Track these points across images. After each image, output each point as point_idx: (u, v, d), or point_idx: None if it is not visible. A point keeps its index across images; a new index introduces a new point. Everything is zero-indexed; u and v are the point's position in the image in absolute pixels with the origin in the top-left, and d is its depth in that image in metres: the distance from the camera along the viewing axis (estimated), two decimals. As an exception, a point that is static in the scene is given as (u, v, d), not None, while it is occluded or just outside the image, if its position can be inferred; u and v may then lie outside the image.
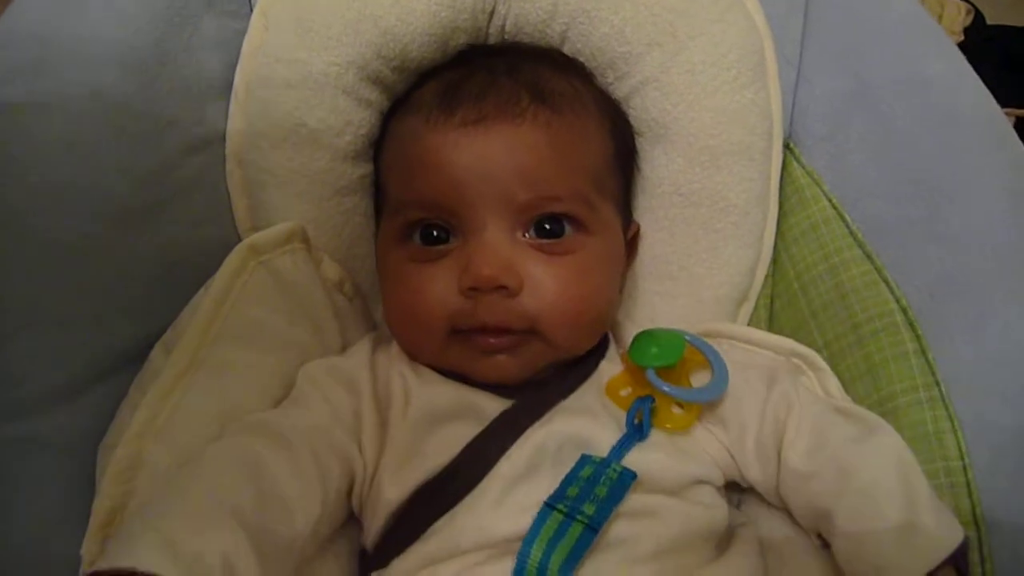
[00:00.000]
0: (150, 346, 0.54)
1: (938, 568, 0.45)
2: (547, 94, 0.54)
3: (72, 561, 0.45)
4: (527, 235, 0.54)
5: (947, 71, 0.62)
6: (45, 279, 0.49)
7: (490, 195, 0.52)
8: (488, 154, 0.52)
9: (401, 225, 0.55)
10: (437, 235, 0.54)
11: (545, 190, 0.53)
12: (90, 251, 0.51)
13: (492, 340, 0.53)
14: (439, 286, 0.53)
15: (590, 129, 0.57)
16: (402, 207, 0.55)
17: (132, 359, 0.53)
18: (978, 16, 1.51)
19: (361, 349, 0.58)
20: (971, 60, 1.52)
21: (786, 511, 0.54)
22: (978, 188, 0.58)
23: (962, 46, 1.42)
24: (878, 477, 0.48)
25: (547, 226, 0.54)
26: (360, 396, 0.54)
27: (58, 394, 0.49)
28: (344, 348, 0.61)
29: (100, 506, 0.46)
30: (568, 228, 0.54)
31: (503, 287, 0.51)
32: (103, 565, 0.37)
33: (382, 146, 0.61)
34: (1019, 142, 0.60)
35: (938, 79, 0.61)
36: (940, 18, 1.42)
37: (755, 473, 0.54)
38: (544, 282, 0.53)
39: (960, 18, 1.43)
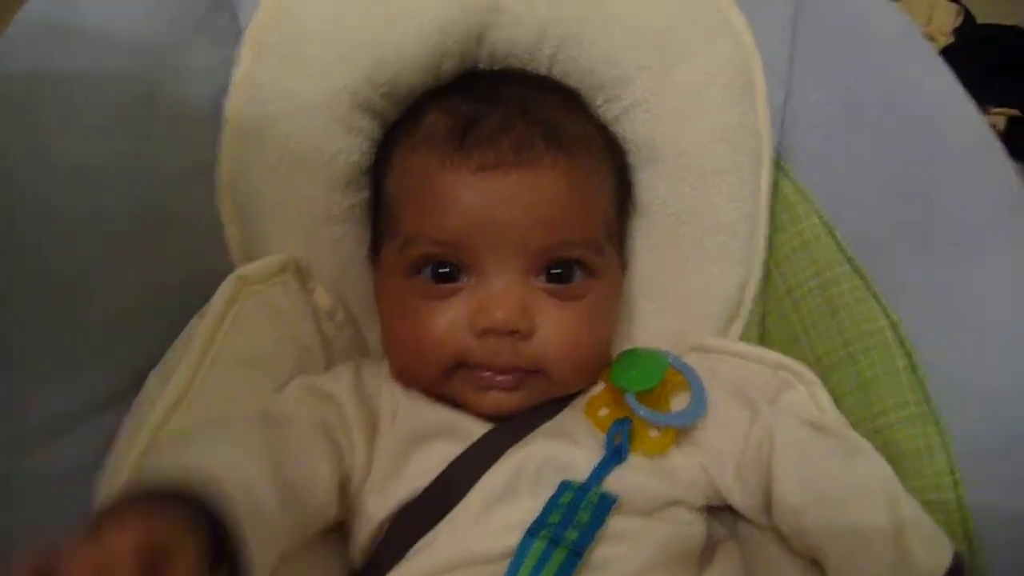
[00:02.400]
0: (141, 379, 0.54)
1: None
2: (562, 138, 0.55)
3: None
4: (538, 279, 0.54)
5: (935, 87, 0.62)
6: (46, 309, 0.50)
7: (506, 240, 0.53)
8: (506, 200, 0.53)
9: (411, 259, 0.56)
10: (448, 272, 0.55)
11: (561, 237, 0.54)
12: (89, 281, 0.51)
13: (498, 378, 0.54)
14: (448, 323, 0.54)
15: (601, 172, 0.58)
16: (414, 241, 0.55)
17: (128, 390, 0.53)
18: (968, 17, 1.51)
19: (344, 370, 0.59)
20: (961, 61, 1.53)
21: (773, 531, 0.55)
22: (967, 204, 0.58)
23: (952, 47, 1.44)
24: (867, 513, 0.49)
25: (558, 271, 0.55)
26: (343, 411, 0.54)
27: (58, 426, 0.50)
28: None
29: None
30: (578, 273, 0.55)
31: (516, 331, 0.52)
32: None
33: (387, 174, 0.61)
34: (1006, 156, 0.61)
35: (926, 95, 0.62)
36: (930, 20, 1.43)
37: (737, 499, 0.55)
38: (555, 327, 0.54)
39: (950, 19, 1.43)
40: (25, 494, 0.48)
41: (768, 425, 0.54)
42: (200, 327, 0.53)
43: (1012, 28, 1.54)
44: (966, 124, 0.61)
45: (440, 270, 0.55)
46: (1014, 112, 1.39)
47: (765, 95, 0.65)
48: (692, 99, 0.62)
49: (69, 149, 0.51)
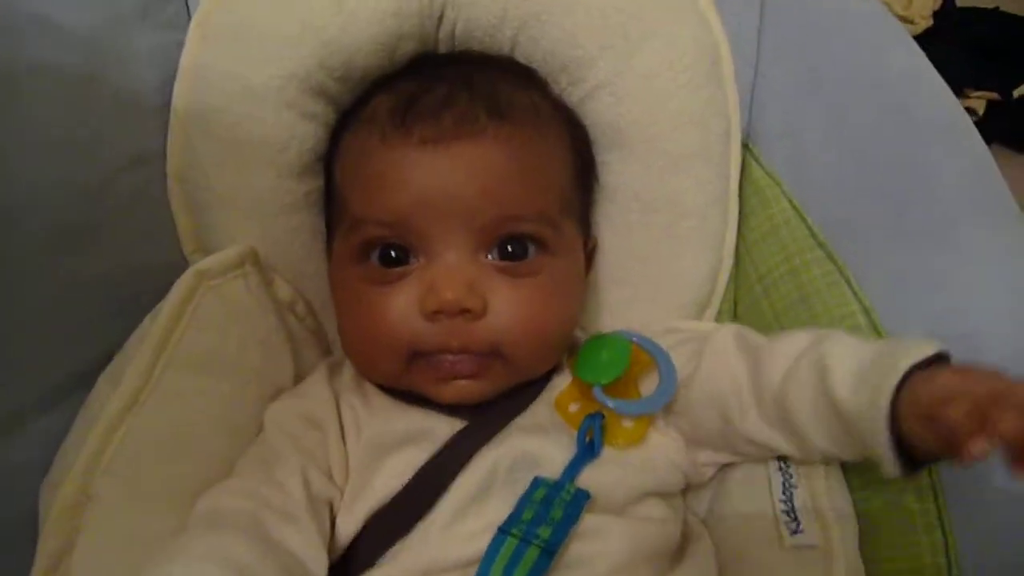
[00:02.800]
0: (93, 372, 0.52)
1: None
2: (506, 109, 0.53)
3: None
4: (490, 256, 0.52)
5: (905, 66, 0.61)
6: None
7: (452, 215, 0.51)
8: (449, 173, 0.51)
9: (358, 244, 0.53)
10: (396, 256, 0.53)
11: (509, 210, 0.52)
12: (30, 271, 0.49)
13: (453, 361, 0.52)
14: (399, 309, 0.52)
15: (553, 144, 0.56)
16: (360, 224, 0.53)
17: (76, 386, 0.51)
18: (948, 0, 1.50)
19: (319, 381, 0.57)
20: (941, 44, 1.52)
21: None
22: (937, 186, 0.57)
23: (932, 30, 1.42)
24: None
25: (510, 248, 0.52)
26: (327, 434, 0.53)
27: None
28: (297, 371, 0.59)
29: (45, 547, 0.45)
30: (532, 249, 0.53)
31: (467, 311, 0.50)
32: None
33: (335, 161, 0.59)
34: (979, 138, 0.59)
35: (896, 75, 0.60)
36: (910, 2, 1.41)
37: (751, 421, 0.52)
38: (508, 305, 0.52)
39: (930, 2, 1.42)
40: None
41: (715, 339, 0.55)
42: (154, 326, 0.51)
43: (992, 11, 1.54)
44: (938, 105, 0.59)
45: (389, 253, 0.53)
46: (993, 95, 1.38)
47: (733, 77, 0.64)
48: (658, 81, 0.60)
49: (3, 137, 0.48)
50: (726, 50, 0.63)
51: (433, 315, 0.50)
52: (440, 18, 0.61)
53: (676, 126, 0.61)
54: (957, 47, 1.41)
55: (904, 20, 1.39)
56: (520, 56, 0.63)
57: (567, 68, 0.61)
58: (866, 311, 0.57)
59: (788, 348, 0.51)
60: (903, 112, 0.59)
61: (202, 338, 0.52)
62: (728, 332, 0.55)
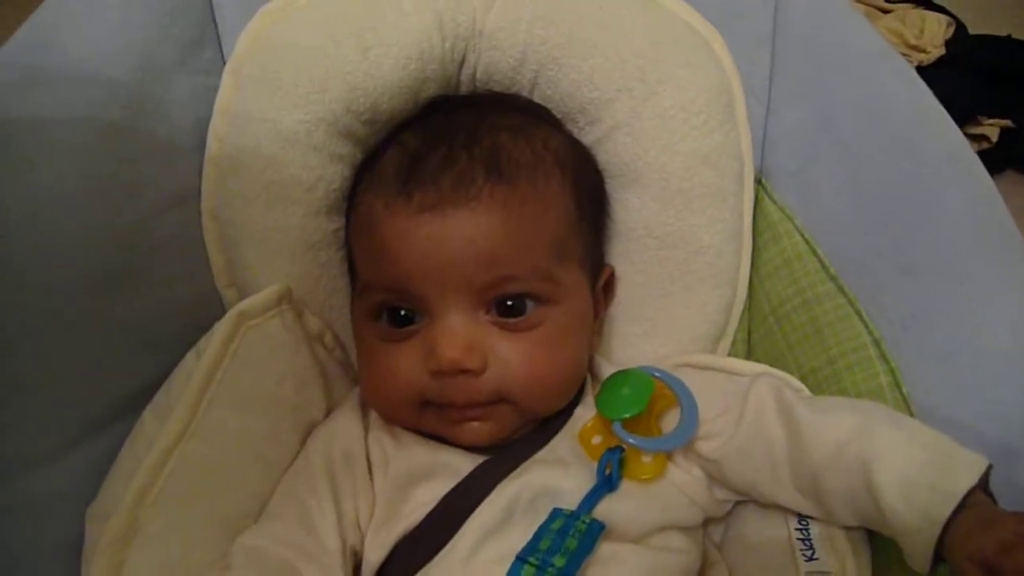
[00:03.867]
0: (132, 404, 0.54)
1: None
2: (504, 167, 0.55)
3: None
4: (489, 314, 0.55)
5: (911, 104, 0.63)
6: (27, 339, 0.50)
7: (450, 280, 0.53)
8: (445, 240, 0.53)
9: (370, 305, 0.57)
10: (404, 314, 0.55)
11: (502, 271, 0.54)
12: (71, 311, 0.52)
13: (463, 412, 0.55)
14: (407, 366, 0.55)
15: (549, 196, 0.57)
16: (369, 289, 0.57)
17: (115, 418, 0.54)
18: (960, 28, 1.52)
19: (351, 417, 0.60)
20: (954, 72, 1.53)
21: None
22: (943, 220, 0.59)
23: (944, 59, 1.44)
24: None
25: (508, 303, 0.55)
26: (356, 473, 0.56)
27: (43, 457, 0.50)
28: (327, 402, 0.62)
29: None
30: (529, 304, 0.55)
31: (467, 371, 0.53)
32: None
33: (350, 212, 0.62)
34: (984, 172, 0.61)
35: (902, 113, 0.62)
36: (921, 31, 1.43)
37: (744, 476, 0.55)
38: (509, 359, 0.54)
39: (941, 31, 1.44)
40: (8, 525, 0.48)
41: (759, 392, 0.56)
42: (199, 367, 0.53)
43: (1004, 39, 1.55)
44: (944, 141, 0.61)
45: (398, 313, 0.56)
46: (1006, 123, 1.39)
47: (746, 117, 0.66)
48: (673, 122, 0.62)
49: (49, 179, 0.51)
50: (739, 91, 0.65)
51: (436, 374, 0.53)
52: (462, 62, 0.64)
53: (690, 166, 0.63)
54: (970, 75, 1.43)
55: (916, 49, 1.40)
56: (539, 97, 0.65)
57: (585, 109, 0.64)
58: (876, 343, 0.59)
59: (832, 434, 0.51)
60: (910, 148, 0.61)
61: (243, 377, 0.55)
62: (768, 390, 0.56)
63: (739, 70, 0.66)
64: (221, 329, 0.55)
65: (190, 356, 0.55)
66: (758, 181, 0.68)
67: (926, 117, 0.62)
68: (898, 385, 0.57)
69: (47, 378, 0.51)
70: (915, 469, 0.47)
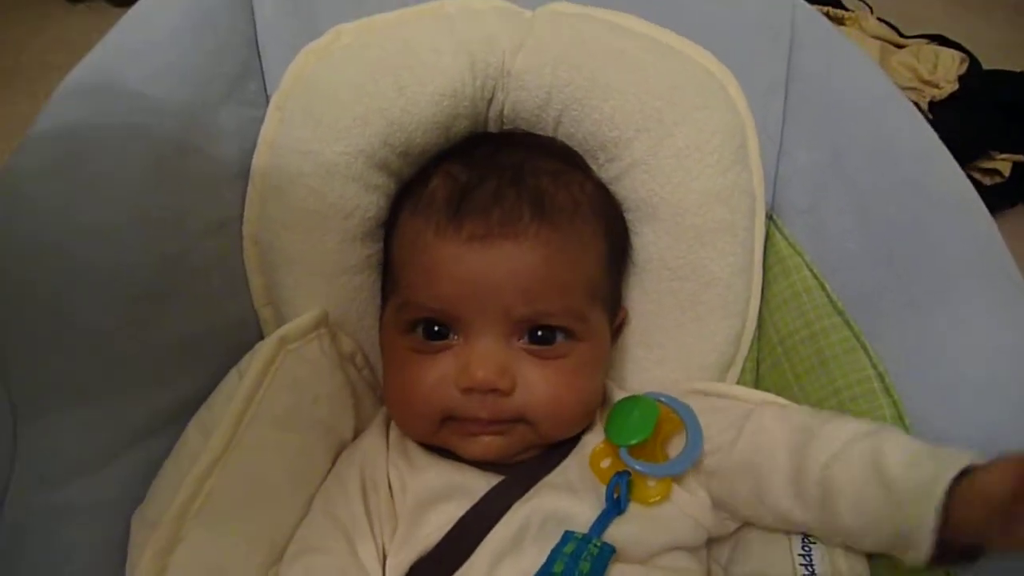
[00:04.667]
0: (171, 417, 0.58)
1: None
2: (548, 209, 0.59)
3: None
4: (521, 341, 0.58)
5: (917, 146, 0.66)
6: (76, 358, 0.53)
7: (491, 307, 0.57)
8: (491, 270, 0.57)
9: (407, 320, 0.60)
10: (439, 330, 0.59)
11: (541, 306, 0.58)
12: (116, 331, 0.55)
13: (482, 429, 0.58)
14: (436, 378, 0.58)
15: (587, 241, 0.62)
16: (410, 306, 0.60)
17: (155, 430, 0.57)
18: (973, 63, 1.53)
19: (377, 444, 0.63)
20: (966, 108, 1.55)
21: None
22: (946, 258, 0.61)
23: (957, 94, 1.46)
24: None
25: (540, 333, 0.59)
26: (381, 496, 0.59)
27: (87, 464, 0.53)
28: (356, 421, 0.66)
29: None
30: (559, 336, 0.59)
31: (497, 390, 0.57)
32: None
33: (393, 236, 0.66)
34: (986, 211, 0.63)
35: (908, 154, 0.65)
36: (935, 67, 1.46)
37: (743, 496, 0.57)
38: (535, 383, 0.58)
39: (955, 66, 1.46)
40: (57, 528, 0.52)
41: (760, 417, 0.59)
42: (241, 387, 0.57)
43: (1018, 74, 1.56)
44: (949, 183, 0.64)
45: (433, 328, 0.59)
46: (1019, 157, 1.41)
47: (758, 156, 0.69)
48: (688, 161, 0.66)
49: (100, 206, 0.55)
50: (752, 131, 0.69)
51: (466, 390, 0.57)
52: (491, 100, 0.67)
53: (703, 203, 0.66)
54: (983, 110, 1.44)
55: (930, 84, 1.43)
56: (562, 134, 0.69)
57: (605, 147, 0.67)
58: (880, 376, 0.62)
59: (840, 432, 0.54)
60: (915, 189, 0.64)
61: (281, 397, 0.59)
62: (771, 408, 0.60)
63: (754, 111, 0.69)
64: (263, 352, 0.59)
65: (232, 375, 0.59)
66: (769, 217, 0.71)
67: (931, 159, 0.65)
68: (901, 417, 0.59)
69: (92, 392, 0.54)
70: (922, 449, 0.50)
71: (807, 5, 0.73)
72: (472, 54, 0.65)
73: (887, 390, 0.61)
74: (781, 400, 0.64)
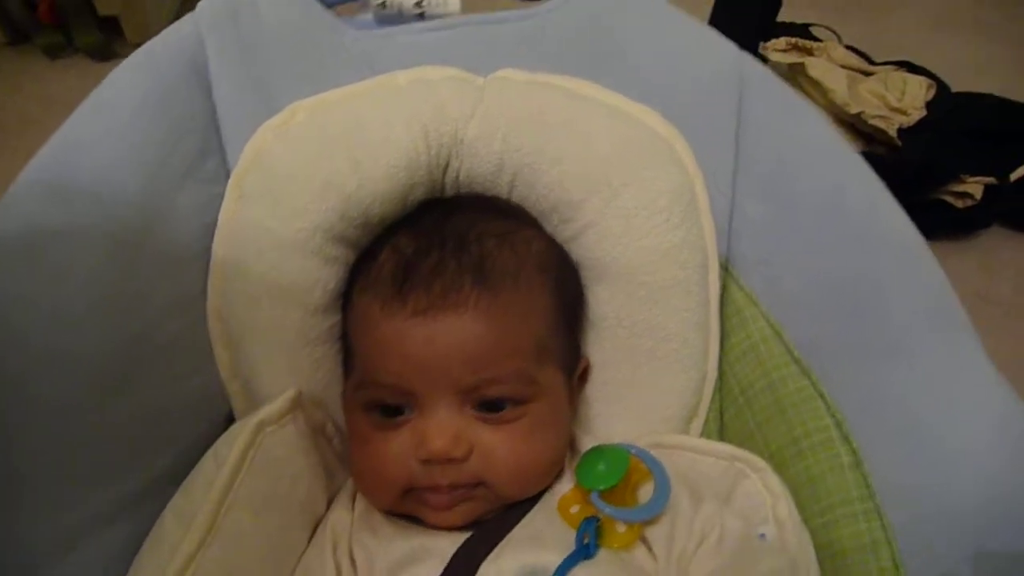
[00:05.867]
0: (141, 496, 0.58)
1: None
2: (489, 274, 0.60)
3: None
4: (474, 409, 0.60)
5: (864, 198, 0.67)
6: (39, 443, 0.54)
7: (439, 379, 0.59)
8: (436, 344, 0.58)
9: (364, 400, 0.62)
10: (396, 406, 0.61)
11: (487, 374, 0.59)
12: (80, 415, 0.56)
13: (444, 497, 0.59)
14: (397, 453, 0.60)
15: (532, 302, 0.63)
16: (365, 385, 0.62)
17: (124, 511, 0.57)
18: (941, 88, 1.56)
19: (345, 516, 0.64)
20: (936, 133, 1.57)
21: None
22: (895, 307, 0.62)
23: (926, 120, 1.48)
24: None
25: (489, 401, 0.60)
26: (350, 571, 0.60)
27: (53, 550, 0.53)
28: (329, 493, 0.67)
29: None
30: (507, 404, 0.60)
31: (453, 459, 0.58)
32: None
33: (347, 309, 0.67)
34: (935, 261, 0.64)
35: (855, 206, 0.67)
36: (903, 94, 1.48)
37: None
38: (492, 447, 0.59)
39: (922, 93, 1.48)
40: None
41: (711, 515, 0.59)
42: (219, 475, 0.57)
43: (986, 96, 1.59)
44: (896, 234, 0.65)
45: (389, 406, 0.61)
46: (990, 180, 1.42)
47: (709, 211, 0.70)
48: (637, 221, 0.67)
49: (60, 297, 0.56)
50: (702, 187, 0.70)
51: (425, 462, 0.58)
52: (446, 167, 0.69)
53: (654, 261, 0.67)
54: (952, 134, 1.46)
55: (898, 112, 1.45)
56: (517, 197, 0.70)
57: (558, 209, 0.69)
58: (838, 424, 0.63)
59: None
60: (863, 239, 0.65)
61: (260, 482, 0.59)
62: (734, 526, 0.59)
63: (703, 165, 0.71)
64: (241, 437, 0.59)
65: (208, 461, 0.59)
66: (725, 268, 0.72)
67: (878, 210, 0.66)
68: (858, 464, 0.60)
69: (56, 475, 0.54)
70: None
71: (755, 60, 0.75)
72: (425, 125, 0.67)
73: (845, 438, 0.62)
74: (740, 453, 0.65)
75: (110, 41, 1.75)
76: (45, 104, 1.69)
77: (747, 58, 0.75)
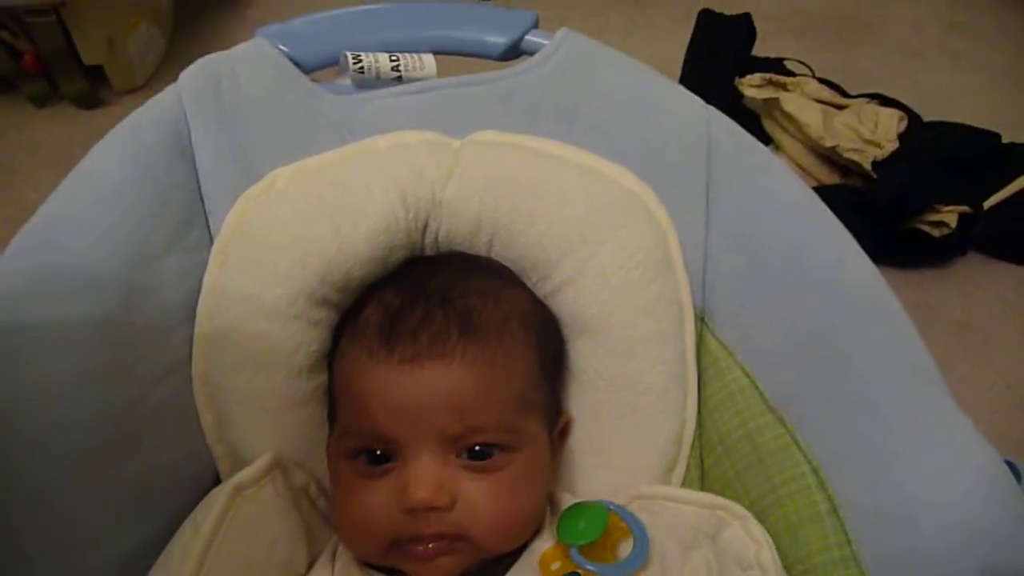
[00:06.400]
0: (127, 565, 0.58)
1: None
2: (475, 327, 0.62)
3: None
4: (459, 457, 0.61)
5: (830, 249, 0.69)
6: (27, 515, 0.55)
7: (425, 428, 0.59)
8: (422, 392, 0.60)
9: (348, 448, 0.63)
10: (380, 455, 0.61)
11: (473, 423, 0.60)
12: (64, 490, 0.56)
13: (429, 547, 0.60)
14: (381, 503, 0.60)
15: (516, 356, 0.64)
16: (349, 434, 0.63)
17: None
18: (913, 118, 1.59)
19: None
20: (909, 164, 1.59)
21: None
22: (863, 356, 0.64)
23: (898, 152, 1.51)
24: None
25: (477, 449, 0.61)
26: None
27: None
28: (310, 555, 0.67)
29: None
30: (495, 451, 0.61)
31: (436, 508, 0.59)
32: None
33: (334, 363, 0.68)
34: (904, 313, 0.66)
35: (822, 258, 0.69)
36: (876, 127, 1.51)
37: None
38: (475, 498, 0.60)
39: (894, 125, 1.52)
40: None
41: (706, 558, 0.60)
42: (196, 541, 0.58)
43: (958, 125, 1.62)
44: (862, 284, 0.67)
45: (375, 453, 0.61)
46: (964, 208, 1.45)
47: (683, 265, 0.72)
48: (613, 278, 0.69)
49: (45, 374, 0.56)
50: (675, 243, 0.72)
51: (408, 511, 0.59)
52: (424, 228, 0.71)
53: (631, 316, 0.69)
54: (926, 164, 1.49)
55: (871, 144, 1.48)
56: (496, 255, 0.72)
57: (536, 267, 0.71)
58: (815, 471, 0.64)
59: None
60: (829, 292, 0.67)
61: (238, 546, 0.60)
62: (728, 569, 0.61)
63: (677, 222, 0.73)
64: (218, 503, 0.60)
65: (187, 526, 0.60)
66: (701, 320, 0.74)
67: (844, 260, 0.68)
68: (835, 511, 0.62)
69: (43, 546, 0.55)
70: None
71: (723, 116, 0.77)
72: (403, 188, 0.69)
73: (822, 485, 0.63)
74: (719, 501, 0.67)
75: (96, 89, 1.76)
76: (31, 153, 1.70)
77: (715, 113, 0.77)
